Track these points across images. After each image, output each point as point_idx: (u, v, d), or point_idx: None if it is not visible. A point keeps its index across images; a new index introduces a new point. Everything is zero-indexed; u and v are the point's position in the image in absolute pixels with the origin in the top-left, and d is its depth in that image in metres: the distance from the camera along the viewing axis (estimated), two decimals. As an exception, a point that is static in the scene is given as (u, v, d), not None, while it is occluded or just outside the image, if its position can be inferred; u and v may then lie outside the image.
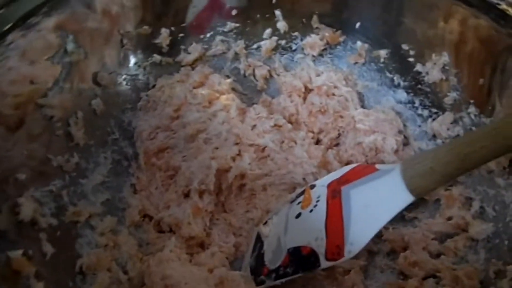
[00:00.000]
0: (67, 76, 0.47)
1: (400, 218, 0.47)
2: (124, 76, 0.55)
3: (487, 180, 0.43)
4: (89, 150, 0.49)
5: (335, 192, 0.41)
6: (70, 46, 0.47)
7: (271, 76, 0.62)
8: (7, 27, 0.41)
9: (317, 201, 0.43)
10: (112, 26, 0.51)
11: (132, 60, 0.55)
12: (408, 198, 0.34)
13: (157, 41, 0.56)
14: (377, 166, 0.40)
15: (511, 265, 0.37)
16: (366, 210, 0.37)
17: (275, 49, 0.61)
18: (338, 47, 0.60)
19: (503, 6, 0.40)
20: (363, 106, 0.58)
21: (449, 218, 0.44)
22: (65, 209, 0.43)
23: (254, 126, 0.55)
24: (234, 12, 0.59)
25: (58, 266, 0.39)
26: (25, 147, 0.41)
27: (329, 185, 0.44)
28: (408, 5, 0.51)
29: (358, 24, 0.57)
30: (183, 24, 0.58)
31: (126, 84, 0.55)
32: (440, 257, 0.42)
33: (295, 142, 0.54)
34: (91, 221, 0.45)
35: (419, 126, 0.54)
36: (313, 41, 0.60)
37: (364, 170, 0.41)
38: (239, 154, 0.52)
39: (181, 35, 0.58)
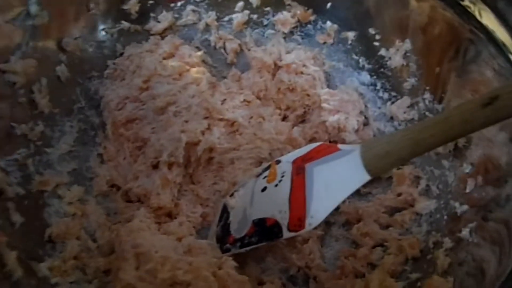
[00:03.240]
0: (30, 40, 0.45)
1: (356, 193, 0.50)
2: (90, 43, 0.53)
3: (434, 161, 0.47)
4: (54, 119, 0.48)
5: (299, 168, 0.44)
6: (33, 8, 0.44)
7: (241, 50, 0.62)
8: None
9: (282, 176, 0.46)
10: (78, -12, 0.49)
11: (99, 26, 0.53)
12: (365, 177, 0.38)
13: (125, 7, 0.55)
14: (339, 146, 0.43)
15: (447, 237, 0.42)
16: (327, 187, 0.40)
17: (247, 23, 0.62)
18: (309, 25, 0.61)
19: (466, 2, 0.43)
20: (328, 86, 0.61)
21: (399, 194, 0.48)
22: (31, 178, 0.43)
23: (224, 101, 0.56)
24: (207, -18, 0.58)
25: (27, 235, 0.39)
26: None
27: (294, 162, 0.46)
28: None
29: (329, 5, 0.59)
30: (154, -9, 0.56)
31: (92, 51, 0.54)
32: (388, 228, 0.47)
33: (263, 118, 0.56)
34: (58, 190, 0.45)
35: (379, 108, 0.57)
36: (285, 18, 0.61)
37: (327, 149, 0.44)
38: (208, 128, 0.53)
39: (151, 2, 0.57)
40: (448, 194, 0.44)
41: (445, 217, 0.43)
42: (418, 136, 0.35)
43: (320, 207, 0.40)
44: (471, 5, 0.42)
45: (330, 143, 0.47)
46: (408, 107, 0.53)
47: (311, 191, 0.41)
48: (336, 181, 0.40)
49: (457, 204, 0.42)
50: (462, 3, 0.43)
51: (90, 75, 0.54)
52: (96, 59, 0.54)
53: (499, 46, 0.41)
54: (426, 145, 0.35)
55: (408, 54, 0.53)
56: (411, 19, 0.51)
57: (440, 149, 0.46)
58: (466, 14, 0.43)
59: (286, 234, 0.42)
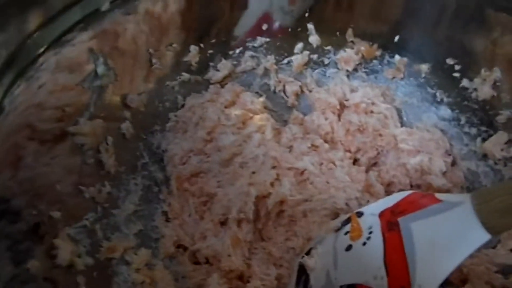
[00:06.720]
0: (97, 101, 0.44)
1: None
2: (152, 97, 0.52)
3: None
4: (119, 178, 0.47)
5: (391, 224, 0.38)
6: (100, 69, 0.44)
7: (302, 92, 0.59)
8: (42, 49, 0.38)
9: (370, 232, 0.40)
10: (142, 45, 0.48)
11: (161, 80, 0.53)
12: (484, 237, 0.31)
13: (186, 59, 0.54)
14: (438, 196, 0.37)
15: None
16: (433, 248, 0.34)
17: (307, 64, 0.59)
18: (374, 61, 0.57)
19: None
20: (402, 123, 0.56)
21: (513, 249, 0.41)
22: (99, 245, 0.41)
23: (290, 148, 0.52)
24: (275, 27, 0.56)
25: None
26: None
27: (381, 215, 0.41)
28: (457, 18, 0.48)
29: (397, 37, 0.54)
30: (212, 41, 0.55)
31: (154, 105, 0.53)
32: (506, 293, 0.39)
33: (334, 164, 0.51)
34: (126, 256, 0.42)
35: (466, 145, 0.51)
36: (348, 55, 0.57)
37: (423, 200, 0.38)
38: (277, 179, 0.49)
39: (210, 51, 0.55)
40: None
41: None
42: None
43: (429, 273, 0.33)
44: None
45: (424, 193, 0.41)
46: (506, 143, 0.46)
47: (413, 253, 0.34)
48: (445, 242, 0.33)
49: None
50: None
51: (153, 129, 0.52)
52: (158, 113, 0.53)
53: None
54: None
55: (498, 83, 0.47)
56: (495, 49, 0.46)
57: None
58: None
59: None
